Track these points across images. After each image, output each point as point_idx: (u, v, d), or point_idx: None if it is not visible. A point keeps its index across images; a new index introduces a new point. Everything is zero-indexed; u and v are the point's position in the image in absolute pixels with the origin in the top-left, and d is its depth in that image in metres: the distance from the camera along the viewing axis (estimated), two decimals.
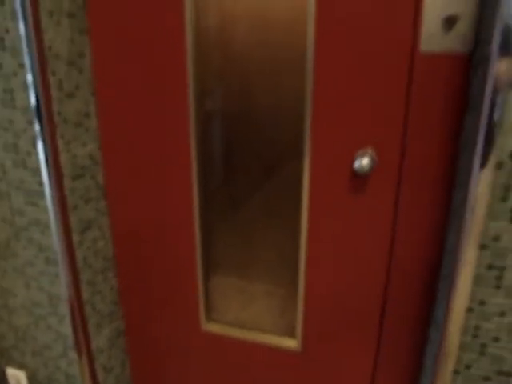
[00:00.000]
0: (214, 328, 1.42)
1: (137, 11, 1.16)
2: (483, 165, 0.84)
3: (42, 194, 1.20)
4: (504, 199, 0.85)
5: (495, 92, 0.81)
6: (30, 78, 1.10)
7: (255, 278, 1.38)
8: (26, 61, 1.08)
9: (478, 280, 0.92)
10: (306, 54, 1.07)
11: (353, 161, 1.09)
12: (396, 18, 0.98)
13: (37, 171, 1.18)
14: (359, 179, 1.10)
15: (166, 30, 1.15)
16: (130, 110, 1.26)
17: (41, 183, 1.19)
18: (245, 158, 1.25)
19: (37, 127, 1.13)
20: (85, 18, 1.20)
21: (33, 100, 1.11)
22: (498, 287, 0.91)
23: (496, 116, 0.81)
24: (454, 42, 0.95)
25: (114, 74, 1.24)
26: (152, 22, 1.15)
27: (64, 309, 1.31)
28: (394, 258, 1.14)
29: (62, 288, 1.27)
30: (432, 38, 0.96)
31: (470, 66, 0.96)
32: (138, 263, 1.42)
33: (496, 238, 0.88)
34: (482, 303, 0.93)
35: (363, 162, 1.04)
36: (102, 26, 1.21)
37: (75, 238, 1.26)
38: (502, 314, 0.93)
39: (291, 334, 1.35)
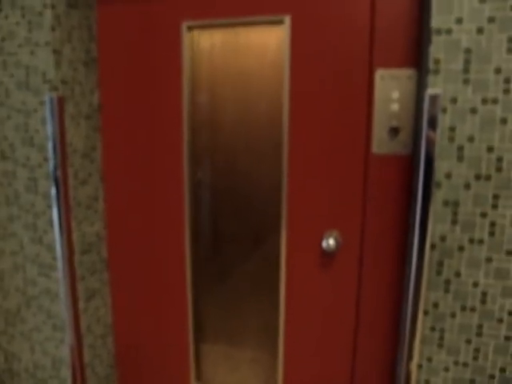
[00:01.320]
0: None
1: (142, 116, 1.41)
2: (420, 246, 1.06)
3: (54, 267, 1.38)
4: (439, 273, 1.06)
5: (425, 188, 1.04)
6: (52, 169, 1.32)
7: (242, 345, 1.54)
8: (50, 155, 1.31)
9: (424, 340, 1.10)
10: (282, 145, 1.31)
11: (321, 241, 1.31)
12: (352, 128, 1.24)
13: (51, 247, 1.37)
14: (327, 257, 1.32)
15: (166, 125, 1.40)
16: (131, 192, 1.48)
17: (54, 257, 1.37)
18: (231, 228, 1.46)
19: (55, 210, 1.33)
20: (99, 118, 1.45)
21: (53, 188, 1.32)
22: (440, 346, 1.10)
23: (427, 208, 1.04)
24: (398, 147, 1.21)
25: (119, 164, 1.47)
26: (153, 119, 1.41)
27: (66, 372, 1.45)
28: (360, 322, 1.33)
29: (66, 352, 1.42)
30: (381, 143, 1.22)
31: (411, 163, 1.21)
32: (133, 331, 1.57)
33: (435, 305, 1.08)
34: (429, 360, 1.11)
35: (329, 241, 1.26)
36: (112, 124, 1.45)
37: (81, 305, 1.42)
38: (446, 370, 1.11)
39: None
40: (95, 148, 1.45)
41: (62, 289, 1.39)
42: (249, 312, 1.49)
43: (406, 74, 1.17)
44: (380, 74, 1.19)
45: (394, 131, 1.21)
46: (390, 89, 1.19)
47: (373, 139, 1.23)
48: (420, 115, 1.12)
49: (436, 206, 1.04)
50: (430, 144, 1.01)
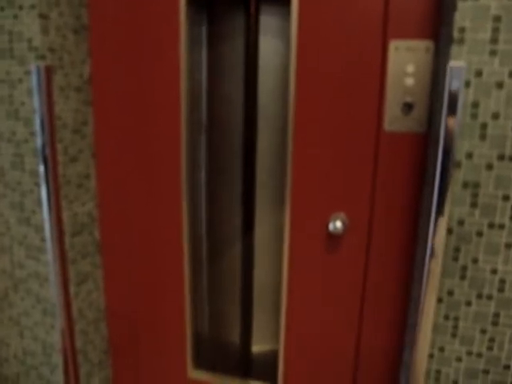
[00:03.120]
0: (200, 376, 1.50)
1: (136, 88, 1.32)
2: (435, 230, 0.99)
3: (43, 249, 1.30)
4: (455, 259, 1.00)
5: (444, 169, 0.97)
6: (39, 145, 1.22)
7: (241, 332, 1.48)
8: (38, 130, 1.21)
9: (436, 329, 1.05)
10: (288, 119, 1.23)
11: (328, 223, 1.24)
12: (363, 103, 1.15)
13: (40, 228, 1.29)
14: (333, 239, 1.25)
15: (162, 98, 1.30)
16: (125, 170, 1.39)
17: (43, 239, 1.29)
18: (231, 206, 1.39)
19: (43, 189, 1.24)
20: (89, 91, 1.35)
21: (41, 165, 1.23)
22: (454, 335, 1.04)
23: (445, 189, 0.97)
24: (412, 124, 1.13)
25: (112, 140, 1.38)
26: (148, 92, 1.31)
27: (57, 358, 1.38)
28: (366, 308, 1.27)
29: (57, 338, 1.35)
30: (394, 120, 1.14)
31: (425, 143, 1.13)
32: (128, 316, 1.51)
33: (450, 292, 1.02)
34: (441, 349, 1.06)
35: (337, 224, 1.19)
36: (105, 97, 1.35)
37: (72, 289, 1.35)
38: (459, 360, 1.06)
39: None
40: (86, 123, 1.35)
41: (52, 272, 1.31)
42: (248, 296, 1.43)
43: (423, 45, 1.09)
44: (394, 45, 1.10)
45: (408, 107, 1.13)
46: (405, 61, 1.11)
47: (385, 115, 1.15)
48: (438, 90, 1.04)
49: (455, 187, 0.97)
50: (451, 121, 0.94)
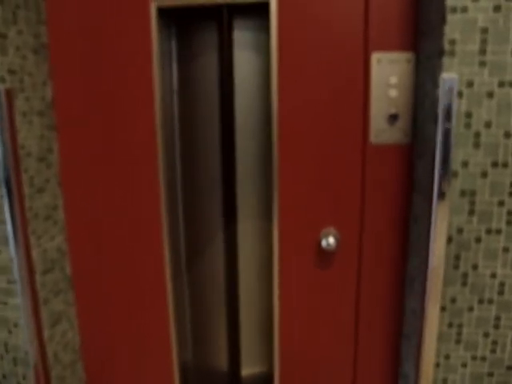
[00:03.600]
0: None
1: (103, 110, 1.23)
2: (436, 239, 1.00)
3: (11, 292, 1.17)
4: (456, 267, 1.01)
5: (442, 179, 0.98)
6: (2, 176, 1.10)
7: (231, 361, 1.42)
8: (0, 160, 1.10)
9: (441, 337, 1.05)
10: (271, 135, 1.20)
11: (318, 238, 1.22)
12: (348, 116, 1.15)
13: (7, 269, 1.16)
14: (324, 255, 1.23)
15: (133, 119, 1.23)
16: (94, 198, 1.29)
17: (11, 281, 1.16)
18: (214, 223, 1.33)
19: (9, 225, 1.12)
20: (53, 115, 1.24)
21: (6, 198, 1.11)
22: (458, 342, 1.05)
23: (444, 199, 0.98)
24: (397, 135, 1.14)
25: (79, 166, 1.27)
26: (118, 113, 1.23)
27: None
28: (360, 324, 1.26)
29: None
30: (379, 132, 1.14)
31: (411, 153, 1.14)
32: (105, 352, 1.39)
33: (453, 300, 1.03)
34: (447, 357, 1.06)
35: (329, 240, 1.17)
36: (69, 121, 1.25)
37: (46, 333, 1.22)
38: (464, 365, 1.07)
39: None
40: (51, 150, 1.24)
41: (23, 317, 1.19)
42: (236, 319, 1.37)
43: (404, 57, 1.10)
44: (377, 57, 1.11)
45: (393, 119, 1.13)
46: (388, 73, 1.12)
47: (370, 128, 1.15)
48: (425, 101, 1.06)
49: (453, 196, 0.98)
50: (446, 131, 0.95)
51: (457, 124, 0.96)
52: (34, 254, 1.18)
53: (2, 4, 1.06)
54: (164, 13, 1.19)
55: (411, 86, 1.11)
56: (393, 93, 1.12)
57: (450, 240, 1.00)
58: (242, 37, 1.24)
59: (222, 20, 1.21)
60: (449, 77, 0.91)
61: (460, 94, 0.95)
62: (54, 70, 1.23)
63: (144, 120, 1.21)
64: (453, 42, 0.93)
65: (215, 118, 1.28)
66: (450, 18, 0.92)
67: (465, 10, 0.91)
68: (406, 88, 1.12)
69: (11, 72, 1.09)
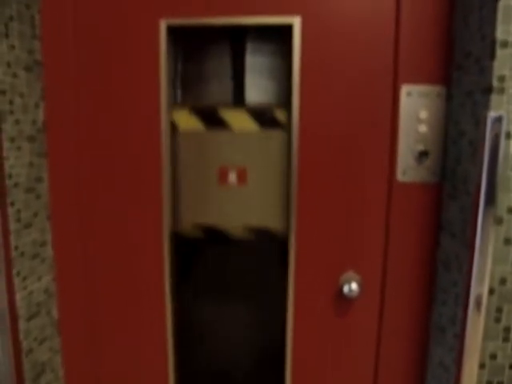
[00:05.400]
0: None
1: (100, 135, 1.11)
2: (476, 288, 0.92)
3: None
4: (497, 320, 0.93)
5: (485, 225, 0.90)
6: None
7: None
8: None
9: None
10: (290, 169, 1.10)
11: (338, 284, 1.12)
12: (374, 152, 1.06)
13: None
14: (344, 302, 1.12)
15: (135, 149, 1.11)
16: (87, 233, 1.15)
17: None
18: (223, 268, 1.21)
19: None
20: (44, 140, 1.11)
21: None
22: None
23: (487, 247, 0.90)
24: (426, 174, 1.06)
25: (71, 197, 1.14)
26: (118, 140, 1.11)
27: None
28: (380, 373, 1.16)
29: None
30: (407, 169, 1.06)
31: (440, 192, 1.06)
32: None
33: (493, 356, 0.94)
34: None
35: (352, 286, 1.07)
36: (61, 147, 1.12)
37: None
38: None
39: None
40: (41, 179, 1.10)
41: (2, 372, 1.03)
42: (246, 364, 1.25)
43: (436, 91, 1.03)
44: (406, 89, 1.03)
45: (422, 156, 1.05)
46: (418, 107, 1.04)
47: (397, 165, 1.07)
48: (462, 139, 0.98)
49: (496, 244, 0.90)
50: (492, 174, 0.87)
51: (504, 167, 0.88)
52: (18, 297, 1.03)
53: None
54: (174, 31, 1.08)
55: (443, 122, 1.04)
56: (422, 128, 1.04)
57: (491, 291, 0.92)
58: (256, 61, 1.14)
59: (235, 42, 1.11)
60: (497, 116, 0.84)
61: (508, 135, 0.87)
62: (47, 90, 1.10)
63: (148, 146, 1.10)
64: (502, 79, 0.85)
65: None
66: (499, 53, 0.85)
67: None
68: (437, 124, 1.04)
69: (0, 92, 0.96)
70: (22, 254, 1.04)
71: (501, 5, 0.82)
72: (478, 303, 0.92)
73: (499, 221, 0.90)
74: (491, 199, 0.88)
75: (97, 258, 1.16)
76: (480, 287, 0.91)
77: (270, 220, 1.15)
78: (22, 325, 1.04)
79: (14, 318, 1.02)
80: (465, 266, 0.96)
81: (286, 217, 1.12)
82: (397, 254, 1.09)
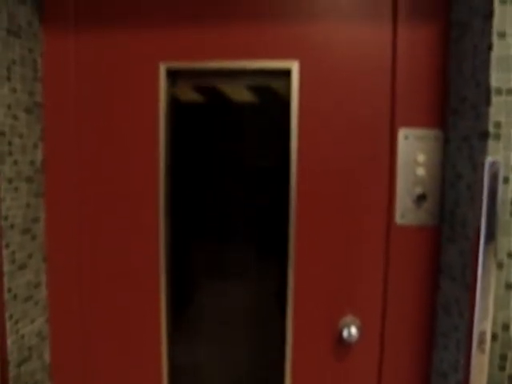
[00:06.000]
0: None
1: (98, 176, 1.11)
2: (478, 333, 0.90)
3: None
4: (502, 368, 0.90)
5: (485, 270, 0.89)
6: None
7: None
8: None
9: None
10: (288, 215, 1.09)
11: (336, 328, 1.10)
12: (372, 195, 1.06)
13: None
14: (343, 346, 1.10)
15: (133, 192, 1.10)
16: (83, 274, 1.14)
17: None
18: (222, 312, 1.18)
19: None
20: (41, 181, 1.11)
21: None
22: None
23: (489, 292, 0.89)
24: (424, 217, 1.06)
25: (67, 238, 1.13)
26: (115, 181, 1.10)
27: None
28: None
29: None
30: (405, 212, 1.06)
31: (439, 235, 1.06)
32: None
33: None
34: None
35: (351, 330, 1.05)
36: (59, 187, 1.12)
37: None
38: None
39: None
40: (37, 219, 1.10)
41: None
42: None
43: (433, 134, 1.04)
44: (403, 133, 1.04)
45: (421, 199, 1.05)
46: (415, 150, 1.05)
47: (396, 207, 1.06)
48: (459, 183, 0.99)
49: (498, 290, 0.89)
50: (491, 219, 0.87)
51: (502, 212, 0.88)
52: (9, 342, 1.00)
53: None
54: (173, 74, 1.10)
55: (440, 165, 1.05)
56: (420, 171, 1.05)
57: (494, 337, 0.90)
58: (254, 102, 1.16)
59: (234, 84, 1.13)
60: (494, 161, 0.85)
61: (506, 180, 0.88)
62: (47, 130, 1.10)
63: (148, 186, 1.09)
64: (498, 125, 0.86)
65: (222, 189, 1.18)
66: (494, 99, 0.86)
67: (510, 92, 0.86)
68: (435, 167, 1.05)
69: (0, 134, 0.96)
70: (15, 296, 1.02)
71: (493, 55, 0.84)
72: (481, 350, 0.90)
73: (500, 265, 0.89)
74: (491, 244, 0.87)
75: (92, 300, 1.14)
76: (483, 334, 0.90)
77: None
78: (11, 371, 1.01)
79: (3, 364, 0.99)
80: (465, 311, 0.95)
81: (284, 260, 1.11)
82: (396, 297, 1.08)
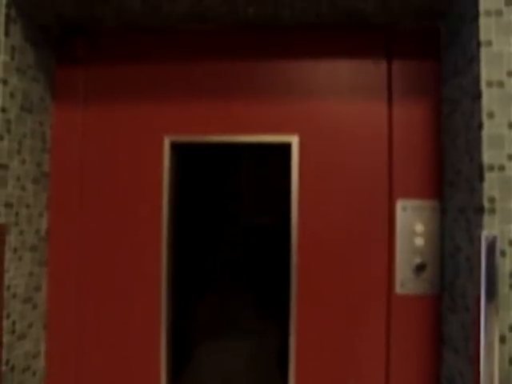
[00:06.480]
0: None
1: (101, 246, 1.12)
2: None
3: None
4: None
5: (489, 345, 0.89)
6: None
7: None
8: None
9: None
10: (289, 288, 1.10)
11: None
12: (372, 266, 1.07)
13: None
14: None
15: (136, 263, 1.11)
16: (82, 343, 1.12)
17: None
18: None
19: None
20: (45, 249, 1.12)
21: None
22: None
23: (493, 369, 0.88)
24: (424, 286, 1.06)
25: (69, 306, 1.13)
26: (118, 251, 1.12)
27: None
28: None
29: None
30: (405, 281, 1.06)
31: (440, 304, 1.06)
32: None
33: None
34: None
35: None
36: (62, 256, 1.13)
37: None
38: None
39: None
40: (39, 288, 1.10)
41: None
42: None
43: (430, 205, 1.06)
44: (402, 204, 1.07)
45: (420, 268, 1.06)
46: (413, 221, 1.07)
47: (396, 277, 1.07)
48: (451, 253, 1.00)
49: (501, 364, 0.88)
50: (491, 293, 0.88)
51: (501, 285, 0.89)
52: None
53: (9, 133, 0.98)
54: (177, 148, 1.14)
55: (438, 235, 1.06)
56: (419, 241, 1.07)
57: None
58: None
59: (235, 160, 1.17)
60: (491, 236, 0.86)
61: (503, 253, 0.89)
62: (52, 199, 1.13)
63: (150, 258, 1.11)
64: (492, 200, 0.89)
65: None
66: (487, 175, 0.89)
67: (502, 168, 0.89)
68: (433, 237, 1.06)
69: (8, 205, 0.99)
70: (13, 367, 1.01)
71: (484, 133, 0.88)
72: None
73: (502, 339, 0.89)
74: (493, 317, 0.87)
75: (92, 372, 1.12)
76: None
77: None
78: None
79: None
80: None
81: (286, 324, 1.10)
82: (399, 367, 1.06)
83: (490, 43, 0.87)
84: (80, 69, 1.15)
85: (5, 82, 0.96)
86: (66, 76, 1.15)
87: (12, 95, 0.98)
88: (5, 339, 0.98)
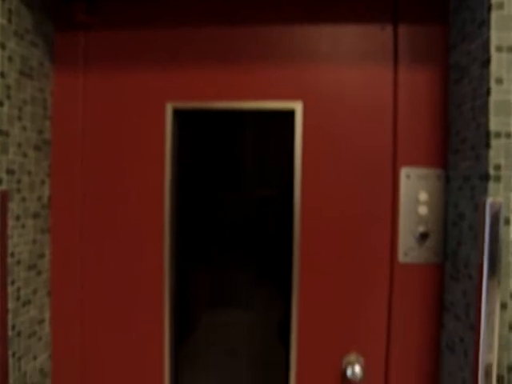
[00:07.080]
0: None
1: (104, 214, 1.12)
2: (484, 375, 0.89)
3: None
4: None
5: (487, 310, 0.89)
6: None
7: None
8: None
9: None
10: (292, 253, 1.10)
11: (339, 366, 1.09)
12: (375, 234, 1.07)
13: None
14: None
15: (140, 229, 1.11)
16: (88, 310, 1.14)
17: None
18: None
19: None
20: (47, 216, 1.12)
21: None
22: None
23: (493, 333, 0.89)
24: (427, 255, 1.06)
25: (72, 273, 1.13)
26: (121, 218, 1.12)
27: None
28: None
29: None
30: (408, 250, 1.07)
31: (442, 273, 1.06)
32: None
33: None
34: None
35: (355, 369, 1.04)
36: (64, 223, 1.13)
37: None
38: None
39: None
40: (43, 255, 1.11)
41: None
42: None
43: (435, 173, 1.05)
44: (406, 172, 1.06)
45: (423, 237, 1.07)
46: (417, 189, 1.06)
47: (398, 246, 1.07)
48: (455, 221, 1.00)
49: (502, 330, 0.89)
50: (493, 261, 0.88)
51: (504, 253, 0.89)
52: (11, 380, 1.00)
53: (9, 99, 0.97)
54: (180, 114, 1.13)
55: (442, 204, 1.06)
56: (422, 210, 1.06)
57: (501, 379, 0.90)
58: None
59: (240, 126, 1.16)
60: (495, 202, 0.86)
61: (507, 221, 0.89)
62: (54, 167, 1.12)
63: (152, 225, 1.11)
64: (498, 168, 0.88)
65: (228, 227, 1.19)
66: (494, 143, 0.88)
67: (508, 135, 0.88)
68: (437, 205, 1.06)
69: (9, 172, 0.98)
70: (19, 333, 1.02)
71: (492, 99, 0.87)
72: None
73: (503, 306, 0.90)
74: (495, 284, 0.88)
75: (95, 337, 1.14)
76: (488, 376, 0.89)
77: None
78: None
79: None
80: (470, 350, 0.95)
81: (289, 293, 1.11)
82: (400, 335, 1.08)
83: (501, 6, 0.85)
84: (80, 34, 1.12)
85: (3, 46, 0.94)
86: (66, 41, 1.12)
87: (10, 59, 0.96)
88: (10, 305, 0.99)
